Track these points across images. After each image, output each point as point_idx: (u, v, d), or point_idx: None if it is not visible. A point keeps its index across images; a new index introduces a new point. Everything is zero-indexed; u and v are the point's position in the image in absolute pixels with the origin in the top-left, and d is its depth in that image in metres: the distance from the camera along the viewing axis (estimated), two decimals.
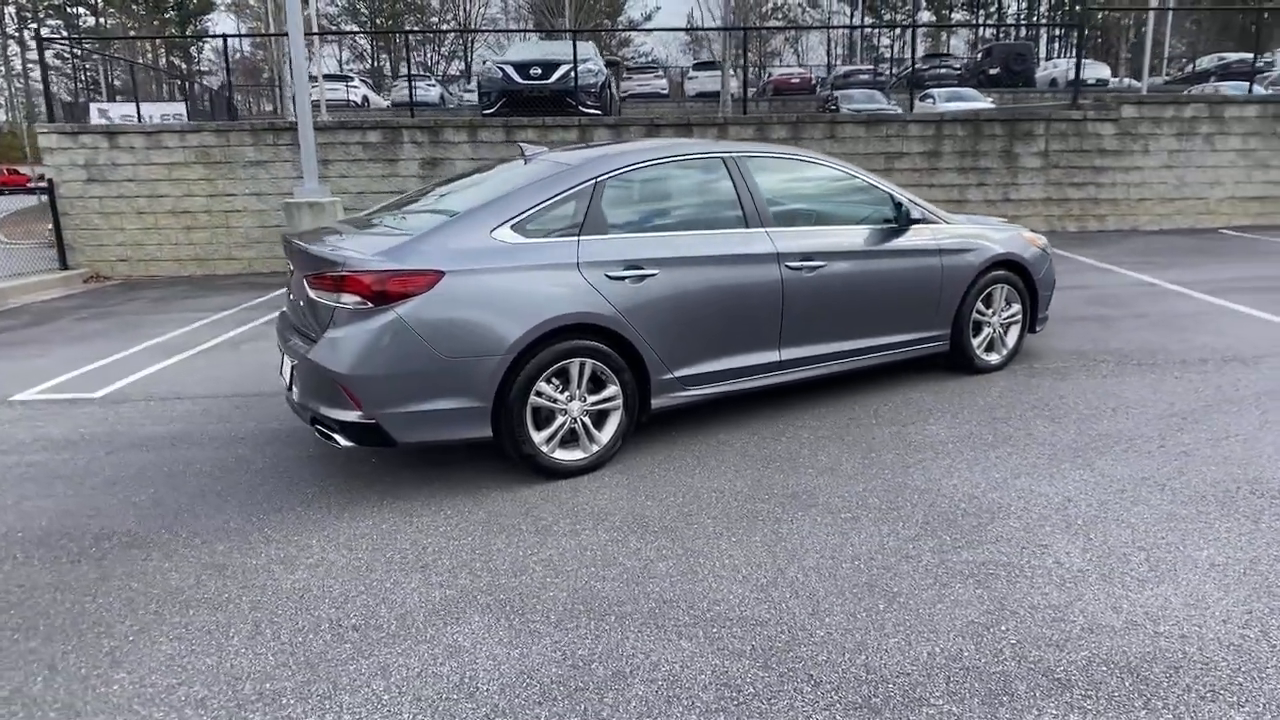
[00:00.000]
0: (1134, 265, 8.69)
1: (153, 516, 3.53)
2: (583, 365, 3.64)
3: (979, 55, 34.06)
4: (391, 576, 2.94)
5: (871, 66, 38.65)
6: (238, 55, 47.58)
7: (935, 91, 25.61)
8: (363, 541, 3.22)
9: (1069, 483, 3.46)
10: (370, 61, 52.50)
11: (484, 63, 15.42)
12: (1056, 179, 11.06)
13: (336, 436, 3.47)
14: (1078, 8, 46.44)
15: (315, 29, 21.70)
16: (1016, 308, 5.05)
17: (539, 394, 3.57)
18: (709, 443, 4.09)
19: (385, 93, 36.51)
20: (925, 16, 57.13)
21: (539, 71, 11.89)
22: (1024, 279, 5.02)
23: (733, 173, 4.17)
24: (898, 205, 4.56)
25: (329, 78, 26.97)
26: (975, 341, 4.92)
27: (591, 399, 3.72)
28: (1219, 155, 11.14)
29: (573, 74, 11.80)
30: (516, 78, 11.90)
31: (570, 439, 3.72)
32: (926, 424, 4.21)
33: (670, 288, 3.83)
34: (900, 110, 18.99)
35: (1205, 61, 31.68)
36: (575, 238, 3.69)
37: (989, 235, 4.89)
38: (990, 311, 4.96)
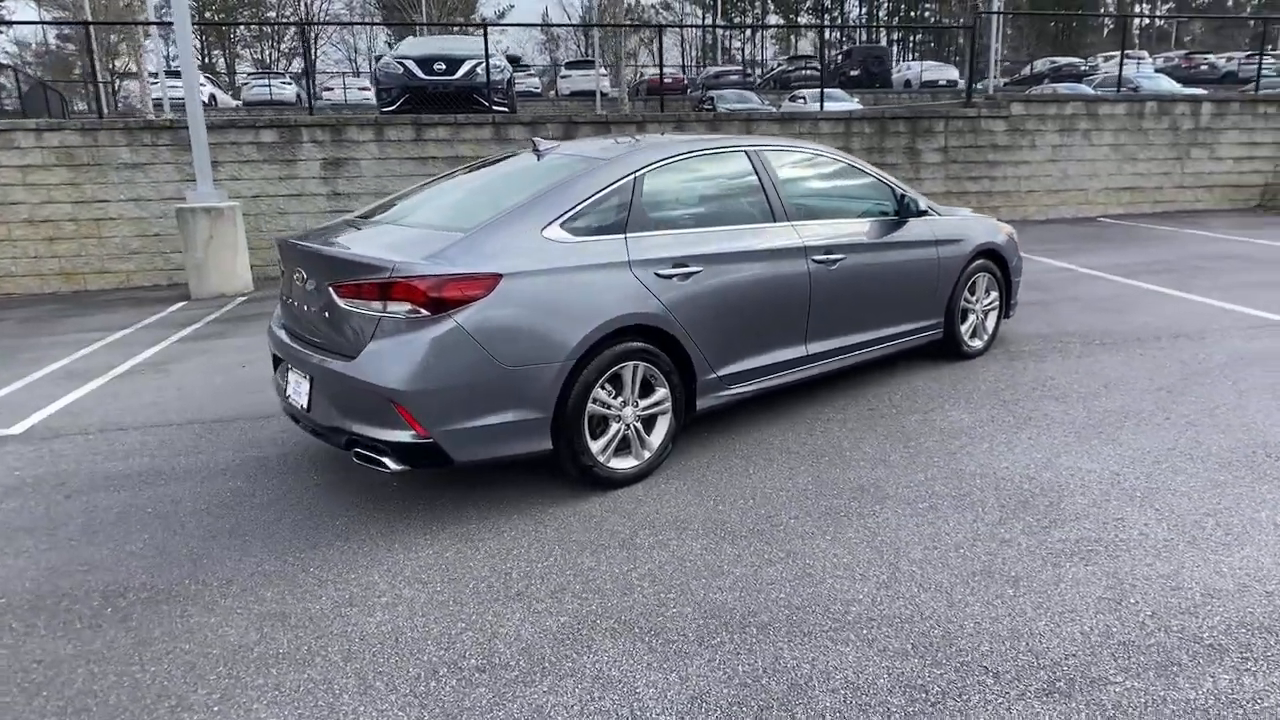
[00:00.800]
0: (1043, 252, 9.35)
1: (164, 565, 3.08)
2: (635, 368, 3.49)
3: (839, 57, 35.76)
4: (489, 608, 2.70)
5: (741, 68, 39.73)
6: (40, 47, 43.21)
7: (805, 92, 26.61)
8: (432, 573, 2.94)
9: (1107, 458, 3.64)
10: (202, 58, 48.85)
11: (379, 58, 14.63)
12: (955, 173, 11.74)
13: (385, 460, 3.15)
14: (966, 17, 49.65)
15: (155, 18, 19.86)
16: (995, 295, 5.29)
17: (595, 401, 3.39)
18: (747, 441, 4.02)
19: (233, 91, 34.13)
20: (773, 19, 59.44)
21: (444, 67, 11.41)
22: (1000, 267, 5.27)
23: (756, 165, 4.13)
24: (900, 198, 4.67)
25: (170, 74, 24.82)
26: (963, 329, 5.11)
27: (643, 403, 3.57)
28: (1095, 150, 12.19)
29: (479, 70, 11.42)
30: (420, 73, 11.36)
31: (622, 447, 3.55)
32: (946, 410, 4.33)
33: (713, 284, 3.73)
34: (774, 109, 19.70)
35: (1040, 65, 34.56)
36: (623, 235, 3.53)
37: (972, 225, 5.09)
38: (974, 299, 5.17)
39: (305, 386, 3.42)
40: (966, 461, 3.67)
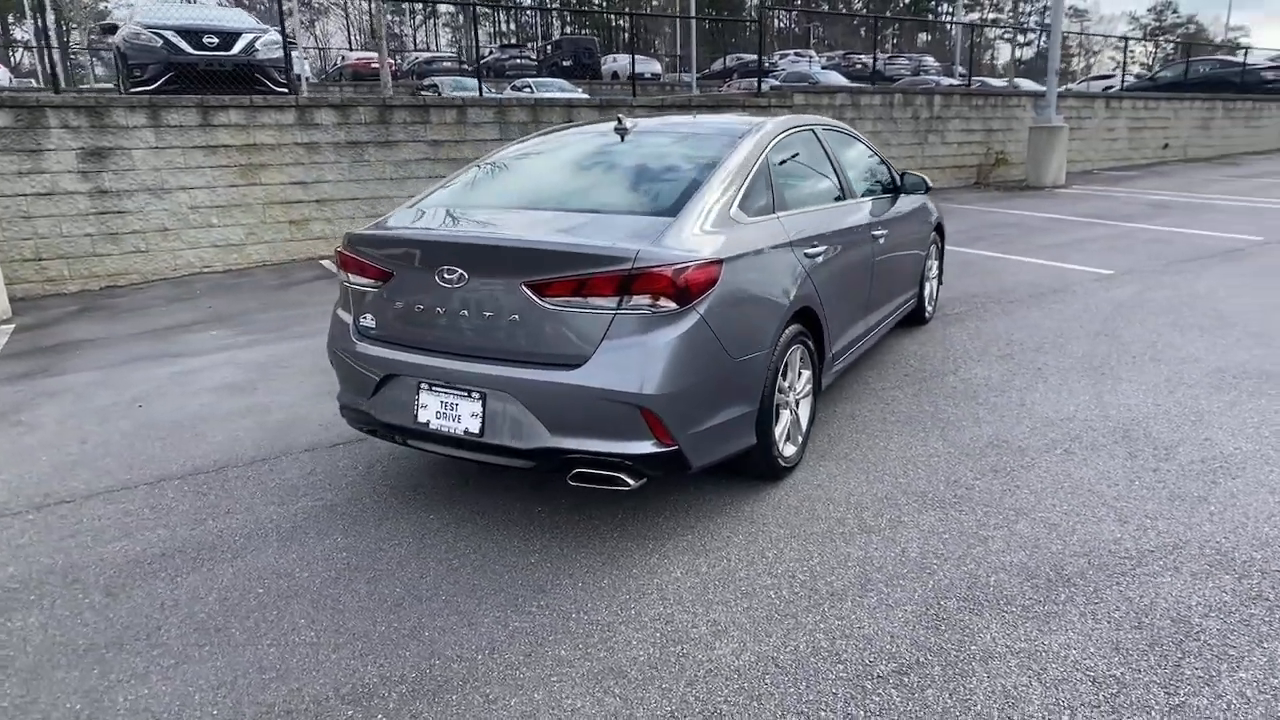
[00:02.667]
0: None
1: (382, 651, 2.45)
2: (797, 352, 3.43)
3: (548, 48, 36.30)
4: (817, 611, 2.54)
5: (454, 54, 38.63)
6: None
7: (531, 81, 26.83)
8: (715, 590, 2.68)
9: (1139, 394, 4.31)
10: None
11: (109, 28, 11.93)
12: None
13: (623, 476, 2.78)
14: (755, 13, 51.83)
15: None
16: (936, 264, 5.91)
17: (779, 389, 3.29)
18: (833, 415, 4.13)
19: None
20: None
21: (215, 40, 9.76)
22: (941, 237, 5.89)
23: (825, 145, 4.21)
24: (900, 174, 5.01)
25: None
26: (925, 296, 5.65)
27: (799, 388, 3.53)
28: (900, 136, 13.88)
29: (260, 45, 9.95)
30: (186, 47, 9.59)
31: (786, 434, 3.48)
32: (966, 369, 4.79)
33: (837, 263, 3.78)
34: (461, 98, 19.65)
35: (730, 61, 37.99)
36: (775, 215, 3.43)
37: (929, 200, 5.62)
38: (931, 267, 5.73)
39: (470, 406, 2.89)
40: (1045, 409, 4.13)
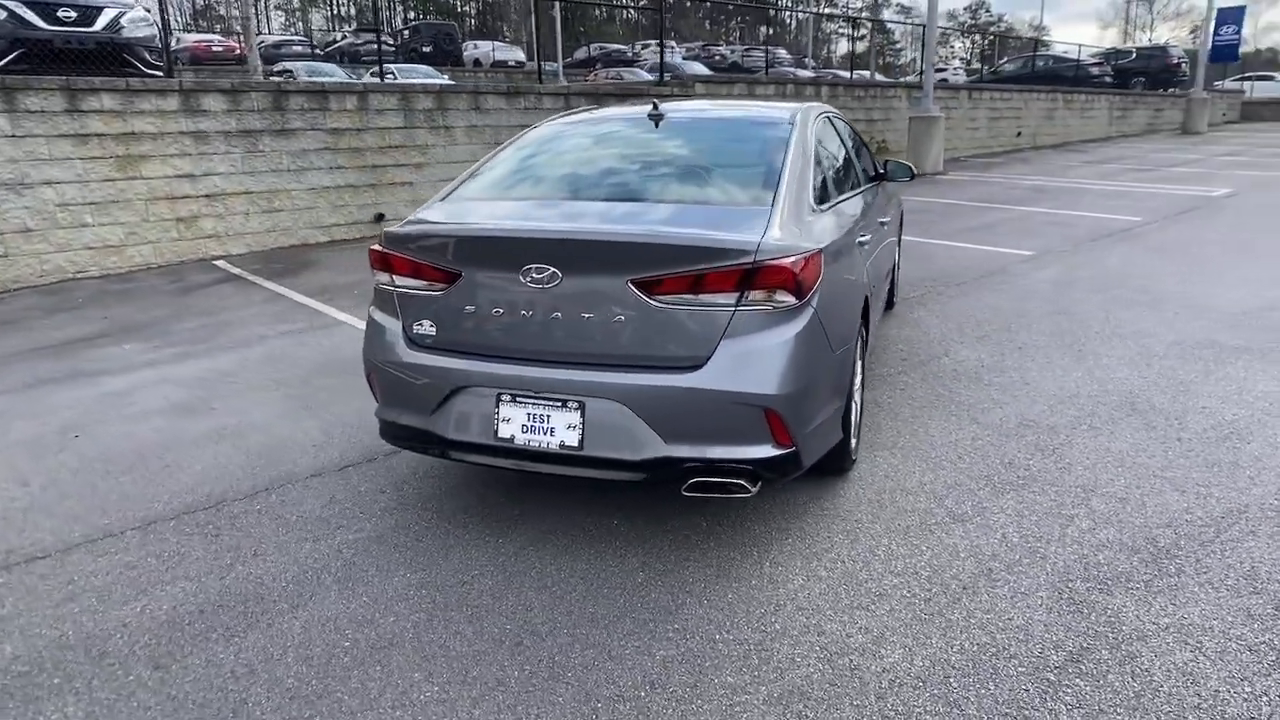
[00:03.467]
0: None
1: (536, 701, 2.20)
2: (859, 342, 3.39)
3: (406, 33, 34.77)
4: (964, 606, 2.51)
5: (305, 38, 36.32)
6: None
7: (394, 67, 25.89)
8: (846, 593, 2.59)
9: (1122, 368, 4.57)
10: None
11: None
12: None
13: (743, 483, 2.62)
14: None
15: None
16: (898, 249, 6.06)
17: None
18: (869, 408, 4.14)
19: None
20: None
21: (73, 15, 8.59)
22: (901, 224, 6.05)
23: (839, 132, 4.17)
24: (884, 162, 5.07)
25: None
26: (895, 281, 5.79)
27: (858, 379, 3.49)
28: None
29: (126, 21, 8.86)
30: (38, 21, 8.37)
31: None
32: (954, 351, 4.94)
33: (875, 253, 3.76)
34: (363, 83, 18.70)
35: (593, 50, 37.83)
36: (832, 203, 3.35)
37: None
38: (898, 254, 5.87)
39: (565, 418, 2.65)
40: (1045, 387, 4.30)
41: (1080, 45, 24.31)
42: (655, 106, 3.61)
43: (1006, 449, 3.59)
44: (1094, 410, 3.98)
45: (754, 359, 2.56)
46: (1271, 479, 3.25)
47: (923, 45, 14.35)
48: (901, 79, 34.46)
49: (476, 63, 35.48)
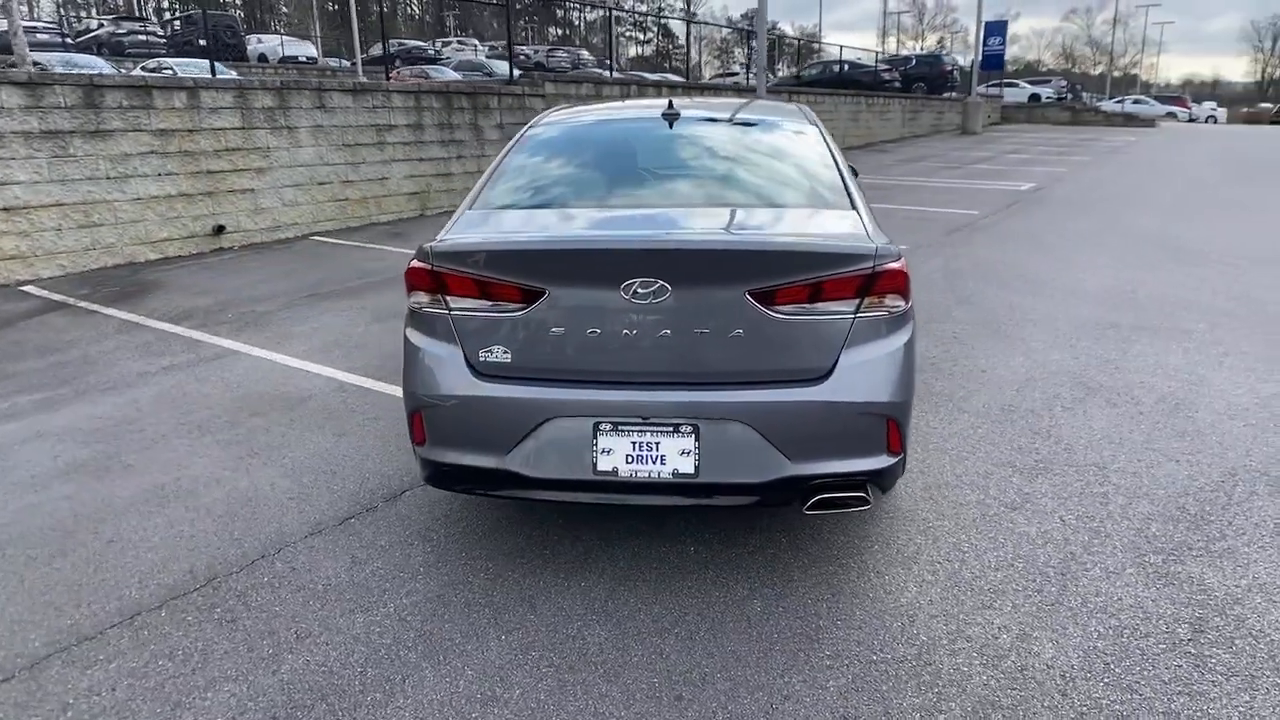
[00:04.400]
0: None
1: None
2: None
3: (180, 23, 31.38)
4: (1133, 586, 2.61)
5: (54, 24, 31.72)
6: None
7: (172, 61, 23.71)
8: (970, 594, 2.60)
9: (1051, 350, 4.99)
10: None
11: None
12: None
13: (864, 495, 2.54)
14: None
15: None
16: None
17: None
18: None
19: None
20: None
21: None
22: None
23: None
24: None
25: None
26: None
27: None
28: None
29: None
30: None
31: None
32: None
33: None
34: (194, 78, 16.83)
35: (394, 47, 36.09)
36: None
37: None
38: None
39: (677, 443, 2.46)
40: (999, 373, 4.60)
41: (877, 52, 26.54)
42: (670, 105, 3.45)
43: (1008, 435, 3.80)
44: (1056, 392, 4.31)
45: (876, 367, 2.50)
46: (1236, 443, 3.67)
47: (753, 50, 14.98)
48: (699, 81, 35.98)
49: (262, 58, 32.77)
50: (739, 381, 2.47)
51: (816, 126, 3.43)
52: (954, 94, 31.07)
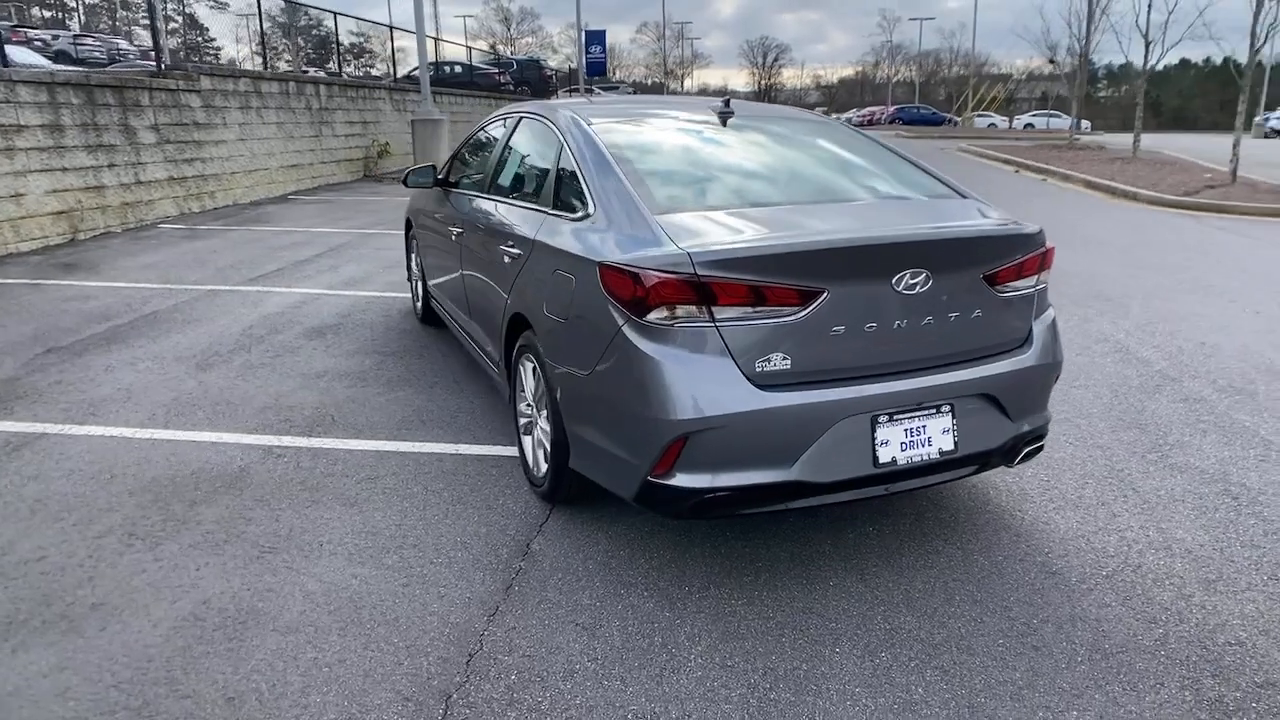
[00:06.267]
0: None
1: None
2: None
3: None
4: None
5: None
6: None
7: None
8: (1076, 583, 2.95)
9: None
10: None
11: None
12: (172, 155, 9.86)
13: (1030, 450, 2.95)
14: None
15: None
16: None
17: None
18: None
19: None
20: None
21: None
22: None
23: None
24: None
25: None
26: None
27: None
28: (267, 127, 12.06)
29: None
30: None
31: None
32: None
33: None
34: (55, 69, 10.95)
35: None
36: None
37: None
38: None
39: (940, 423, 2.64)
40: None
41: (488, 52, 26.87)
42: (726, 104, 3.61)
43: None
44: (1124, 369, 5.03)
45: (1051, 331, 2.96)
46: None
47: (420, 48, 14.28)
48: (306, 74, 33.10)
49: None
50: (975, 357, 2.74)
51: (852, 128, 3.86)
52: (559, 94, 33.16)
